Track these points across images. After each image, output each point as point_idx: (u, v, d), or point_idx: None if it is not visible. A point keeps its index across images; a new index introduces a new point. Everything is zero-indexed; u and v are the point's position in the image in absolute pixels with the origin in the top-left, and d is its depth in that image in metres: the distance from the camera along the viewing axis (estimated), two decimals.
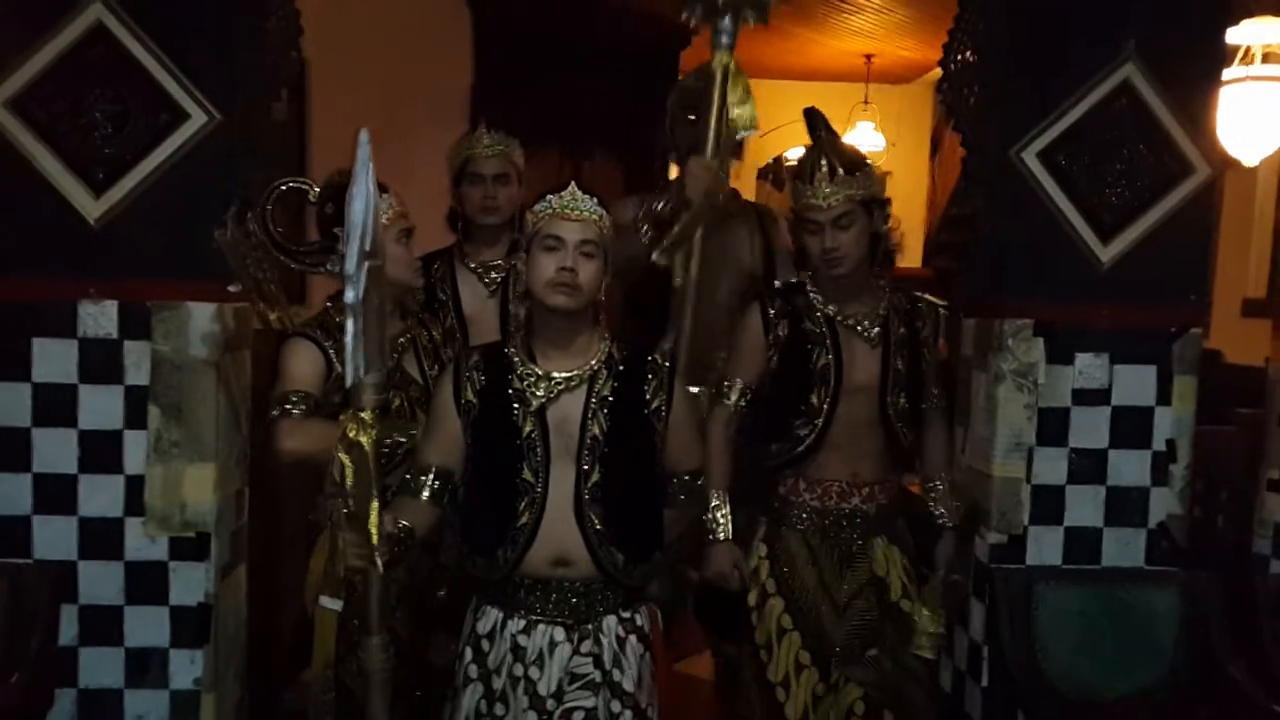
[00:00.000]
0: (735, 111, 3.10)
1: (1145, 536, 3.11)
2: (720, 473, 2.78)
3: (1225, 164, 3.20)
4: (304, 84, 4.74)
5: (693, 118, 3.28)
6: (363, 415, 2.04)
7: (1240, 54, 3.63)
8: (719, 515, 2.75)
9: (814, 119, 2.86)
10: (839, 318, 2.82)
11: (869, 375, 2.81)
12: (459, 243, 3.48)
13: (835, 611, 2.83)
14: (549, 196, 2.25)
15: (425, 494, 2.25)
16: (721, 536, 2.76)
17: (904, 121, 9.35)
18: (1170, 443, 3.10)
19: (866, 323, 2.82)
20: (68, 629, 2.82)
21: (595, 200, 2.26)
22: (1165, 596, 3.04)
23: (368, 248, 1.99)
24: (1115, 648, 3.00)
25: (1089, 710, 2.95)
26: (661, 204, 3.26)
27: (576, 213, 2.22)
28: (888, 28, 7.36)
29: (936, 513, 3.00)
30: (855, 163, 2.77)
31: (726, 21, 2.92)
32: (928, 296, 3.01)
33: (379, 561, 2.05)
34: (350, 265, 2.00)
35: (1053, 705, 2.92)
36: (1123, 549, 3.11)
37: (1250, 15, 3.51)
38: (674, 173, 3.57)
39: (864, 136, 9.11)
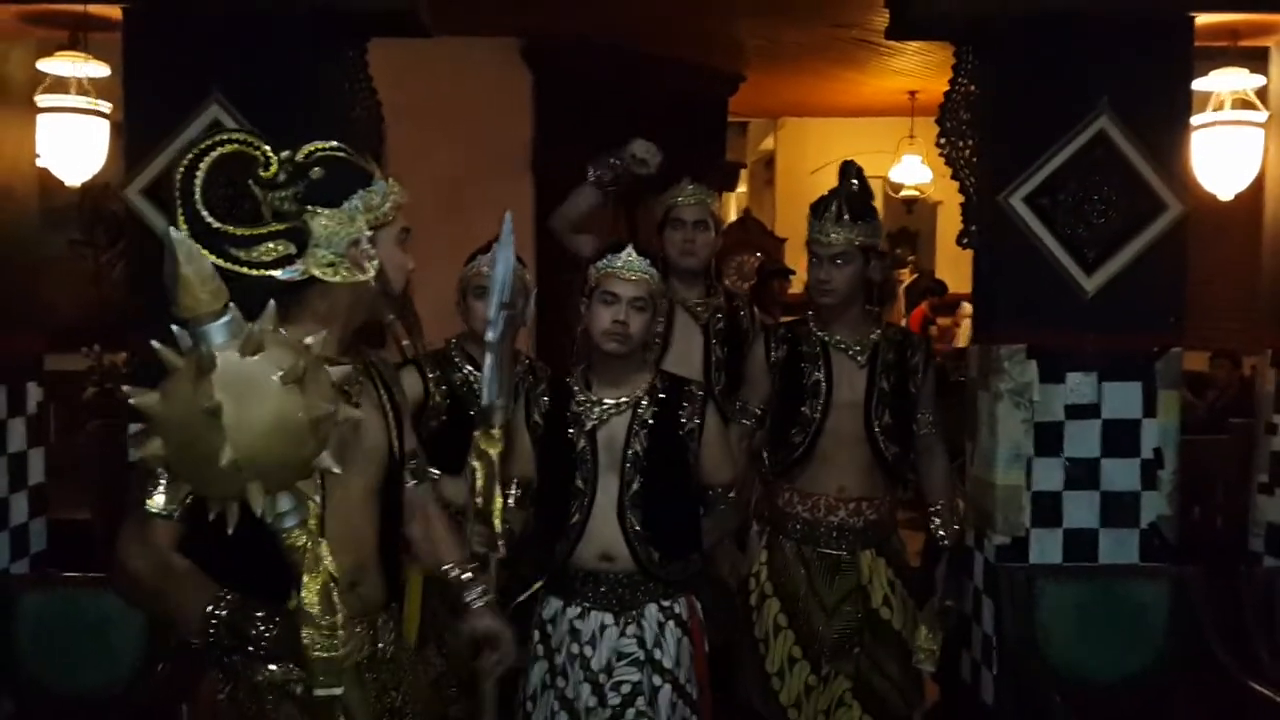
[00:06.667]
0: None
1: (1138, 536, 3.45)
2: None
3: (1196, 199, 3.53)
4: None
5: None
6: (492, 432, 2.50)
7: (1212, 101, 3.96)
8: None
9: (848, 169, 3.15)
10: (831, 341, 3.14)
11: (855, 392, 3.11)
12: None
13: (824, 613, 3.11)
14: (610, 255, 2.66)
15: (511, 501, 2.67)
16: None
17: None
18: (1157, 451, 3.43)
19: (858, 348, 3.13)
20: None
21: (648, 260, 2.67)
22: (1156, 589, 3.36)
23: (506, 299, 2.50)
24: (1110, 636, 3.33)
25: (1087, 692, 3.28)
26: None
27: (631, 273, 2.63)
28: (929, 66, 7.50)
29: (938, 535, 3.25)
30: (865, 212, 3.09)
31: None
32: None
33: (501, 548, 2.50)
34: (491, 312, 2.51)
35: (1054, 688, 3.23)
36: (1118, 547, 3.44)
37: (1219, 66, 3.85)
38: None
39: (911, 169, 9.28)
